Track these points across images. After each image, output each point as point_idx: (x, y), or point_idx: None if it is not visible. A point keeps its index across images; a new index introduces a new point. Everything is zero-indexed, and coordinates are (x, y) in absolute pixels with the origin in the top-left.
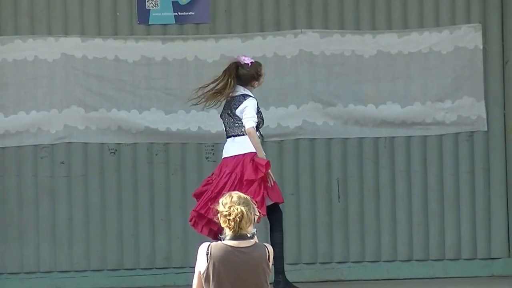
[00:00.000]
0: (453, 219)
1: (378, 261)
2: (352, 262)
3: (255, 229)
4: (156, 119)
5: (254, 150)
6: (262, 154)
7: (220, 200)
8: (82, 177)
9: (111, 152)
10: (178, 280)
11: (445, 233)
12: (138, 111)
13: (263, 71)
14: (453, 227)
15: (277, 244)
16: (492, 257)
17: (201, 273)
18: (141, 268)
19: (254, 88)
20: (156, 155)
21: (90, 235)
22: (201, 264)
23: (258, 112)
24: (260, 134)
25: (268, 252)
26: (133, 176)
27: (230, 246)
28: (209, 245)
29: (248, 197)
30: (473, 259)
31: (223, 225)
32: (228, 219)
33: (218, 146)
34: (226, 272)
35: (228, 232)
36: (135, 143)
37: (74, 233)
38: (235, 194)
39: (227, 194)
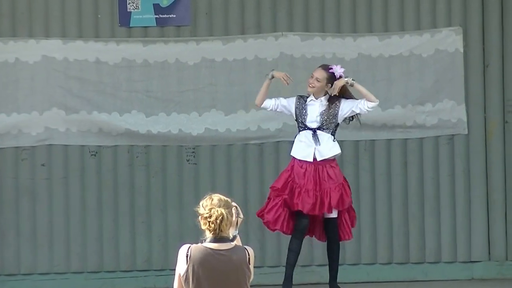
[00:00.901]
0: (433, 222)
1: (358, 264)
2: None
3: (237, 232)
4: (137, 122)
5: (294, 155)
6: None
7: (201, 203)
8: (63, 179)
9: (91, 155)
10: (158, 282)
11: (425, 236)
12: (119, 114)
13: (314, 74)
14: (433, 230)
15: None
16: (472, 260)
17: (181, 275)
18: (121, 270)
19: (309, 92)
20: (136, 157)
21: (71, 237)
22: (181, 266)
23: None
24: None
25: (249, 254)
26: (114, 178)
27: (210, 248)
28: (189, 247)
29: (229, 200)
30: (453, 262)
31: (203, 227)
32: (209, 221)
33: (198, 149)
34: (205, 275)
35: (208, 235)
36: (115, 145)
37: (55, 235)
38: (216, 197)
39: (208, 197)
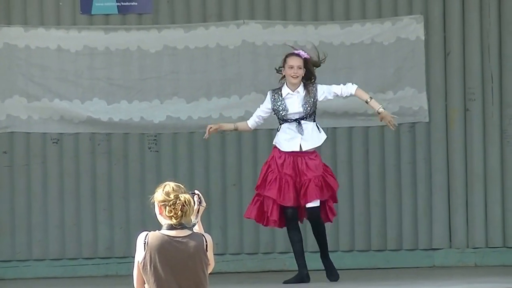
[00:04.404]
0: (394, 210)
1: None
2: None
3: (198, 219)
4: (99, 109)
5: (278, 146)
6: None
7: (161, 191)
8: (25, 166)
9: (53, 142)
10: (120, 269)
11: (387, 223)
12: (81, 101)
13: (289, 61)
14: (394, 217)
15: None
16: (433, 247)
17: (139, 262)
18: (83, 257)
19: (288, 80)
20: (98, 145)
21: (32, 224)
22: (139, 253)
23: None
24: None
25: (206, 241)
26: (76, 166)
27: (167, 235)
28: (147, 234)
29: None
30: (415, 249)
31: (168, 215)
32: (174, 209)
33: (160, 137)
34: (162, 262)
35: (167, 222)
36: (77, 133)
37: (16, 222)
38: (171, 184)
39: (165, 184)
